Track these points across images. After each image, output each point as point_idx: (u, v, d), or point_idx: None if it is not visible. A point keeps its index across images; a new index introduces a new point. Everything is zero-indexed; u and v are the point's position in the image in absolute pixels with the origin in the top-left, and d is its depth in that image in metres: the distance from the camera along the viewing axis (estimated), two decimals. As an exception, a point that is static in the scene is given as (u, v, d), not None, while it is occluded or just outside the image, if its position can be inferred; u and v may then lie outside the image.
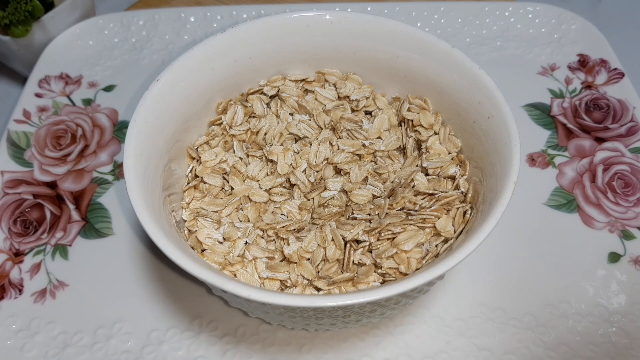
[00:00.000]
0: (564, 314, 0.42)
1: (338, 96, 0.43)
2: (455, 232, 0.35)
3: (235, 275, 0.35)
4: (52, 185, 0.49)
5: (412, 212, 0.35)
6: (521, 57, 0.58)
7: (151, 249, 0.45)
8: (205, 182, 0.39)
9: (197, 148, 0.40)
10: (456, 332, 0.41)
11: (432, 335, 0.41)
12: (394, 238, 0.34)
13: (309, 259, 0.35)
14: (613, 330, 0.41)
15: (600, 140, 0.51)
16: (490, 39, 0.59)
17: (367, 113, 0.43)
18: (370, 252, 0.35)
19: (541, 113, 0.53)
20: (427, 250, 0.35)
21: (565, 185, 0.49)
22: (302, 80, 0.43)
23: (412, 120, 0.40)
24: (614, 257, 0.45)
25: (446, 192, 0.36)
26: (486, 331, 0.41)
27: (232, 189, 0.39)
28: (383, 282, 0.34)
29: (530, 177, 0.49)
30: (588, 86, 0.55)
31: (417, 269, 0.34)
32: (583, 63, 0.57)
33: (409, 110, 0.41)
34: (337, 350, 0.40)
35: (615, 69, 0.55)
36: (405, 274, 0.33)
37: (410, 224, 0.35)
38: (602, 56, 0.56)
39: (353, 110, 0.43)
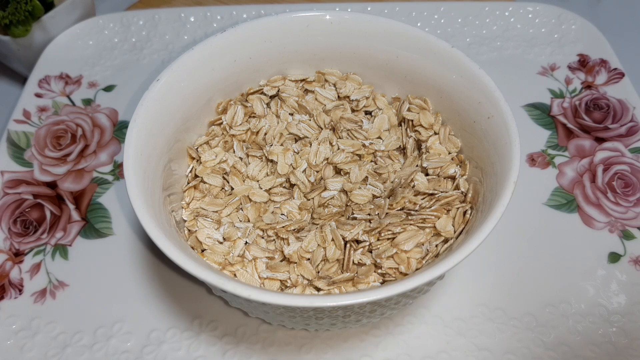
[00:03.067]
0: (564, 314, 0.42)
1: (338, 96, 0.43)
2: (455, 232, 0.35)
3: (235, 275, 0.35)
4: (52, 185, 0.49)
5: (412, 212, 0.35)
6: (521, 57, 0.58)
7: (151, 249, 0.45)
8: (205, 182, 0.39)
9: (197, 148, 0.40)
10: (456, 332, 0.41)
11: (432, 336, 0.41)
12: (394, 238, 0.34)
13: (309, 259, 0.35)
14: (613, 330, 0.41)
15: (600, 140, 0.51)
16: (490, 39, 0.59)
17: (367, 113, 0.43)
18: (370, 252, 0.35)
19: (541, 113, 0.53)
20: (427, 250, 0.35)
21: (566, 185, 0.49)
22: (302, 80, 0.43)
23: (412, 120, 0.40)
24: (614, 257, 0.45)
25: (446, 192, 0.36)
26: (486, 331, 0.41)
27: (232, 189, 0.39)
28: (383, 282, 0.34)
29: (531, 177, 0.49)
30: (588, 86, 0.55)
31: (417, 269, 0.34)
32: (583, 63, 0.57)
33: (409, 110, 0.41)
34: (337, 351, 0.40)
35: (615, 69, 0.55)
36: (405, 274, 0.33)
37: (410, 224, 0.35)
38: (602, 56, 0.56)
39: (353, 110, 0.43)
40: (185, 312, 0.42)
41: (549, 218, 0.47)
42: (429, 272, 0.29)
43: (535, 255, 0.45)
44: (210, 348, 0.41)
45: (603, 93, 0.54)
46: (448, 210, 0.36)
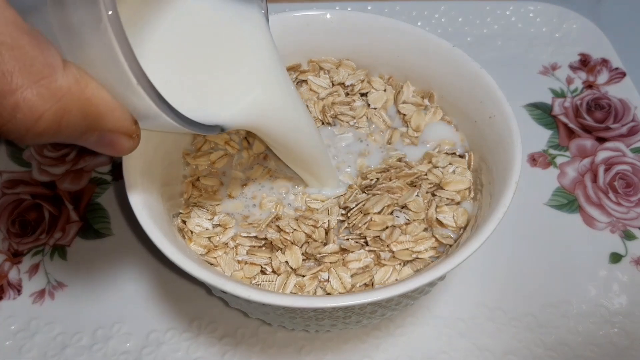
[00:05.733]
0: (565, 315, 0.42)
1: (332, 84, 0.42)
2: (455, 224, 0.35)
3: (216, 259, 0.34)
4: (51, 185, 0.49)
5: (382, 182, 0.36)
6: (522, 56, 0.57)
7: (150, 249, 0.45)
8: (202, 182, 0.39)
9: (195, 148, 0.40)
10: (457, 332, 0.41)
11: (432, 336, 0.41)
12: (366, 212, 0.35)
13: (293, 243, 0.35)
14: (614, 331, 0.41)
15: (601, 140, 0.51)
16: (491, 38, 0.59)
17: (363, 95, 0.42)
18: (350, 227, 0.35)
19: (542, 113, 0.53)
20: (408, 220, 0.35)
21: (567, 186, 0.48)
22: (294, 70, 0.43)
23: (404, 115, 0.40)
24: (616, 258, 0.44)
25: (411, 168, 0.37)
26: (487, 332, 0.41)
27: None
28: (374, 258, 0.34)
29: (532, 177, 0.49)
30: (589, 86, 0.55)
31: (417, 271, 0.34)
32: (584, 62, 0.56)
33: (404, 102, 0.41)
34: (337, 352, 0.40)
35: (616, 68, 0.55)
36: (388, 246, 0.34)
37: (377, 194, 0.35)
38: (603, 55, 0.56)
39: (348, 95, 0.42)
40: (185, 313, 0.42)
41: (550, 218, 0.47)
42: (430, 273, 0.29)
43: (536, 256, 0.45)
44: (210, 349, 0.40)
45: (604, 93, 0.54)
46: (414, 185, 0.36)
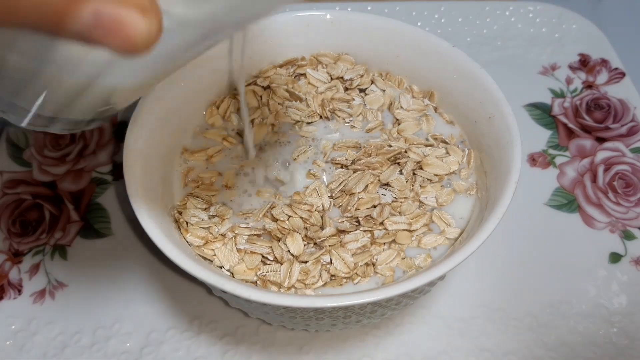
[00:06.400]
0: (565, 315, 0.42)
1: (331, 78, 0.42)
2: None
3: (214, 252, 0.34)
4: (51, 185, 0.49)
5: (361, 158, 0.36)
6: (522, 56, 0.57)
7: (150, 249, 0.45)
8: (200, 175, 0.39)
9: (193, 145, 0.40)
10: (457, 332, 0.41)
11: (432, 336, 0.41)
12: (351, 192, 0.35)
13: (293, 230, 0.35)
14: (614, 331, 0.41)
15: (601, 140, 0.51)
16: (490, 38, 0.59)
17: (362, 91, 0.42)
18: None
19: (542, 113, 0.53)
20: (395, 198, 0.35)
21: (566, 186, 0.49)
22: (292, 64, 0.43)
23: (398, 120, 0.40)
24: (615, 258, 0.44)
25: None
26: (487, 332, 0.41)
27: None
28: (370, 237, 0.34)
29: (531, 177, 0.49)
30: (589, 86, 0.55)
31: (415, 270, 0.34)
32: (584, 63, 0.56)
33: (401, 107, 0.41)
34: (337, 351, 0.40)
35: (616, 68, 0.55)
36: (381, 223, 0.34)
37: (358, 170, 0.36)
38: (603, 56, 0.56)
39: (347, 89, 0.42)
40: (185, 312, 0.42)
41: (550, 218, 0.47)
42: (429, 273, 0.29)
43: (536, 256, 0.45)
44: (210, 348, 0.41)
45: (604, 93, 0.54)
46: (394, 162, 0.37)
